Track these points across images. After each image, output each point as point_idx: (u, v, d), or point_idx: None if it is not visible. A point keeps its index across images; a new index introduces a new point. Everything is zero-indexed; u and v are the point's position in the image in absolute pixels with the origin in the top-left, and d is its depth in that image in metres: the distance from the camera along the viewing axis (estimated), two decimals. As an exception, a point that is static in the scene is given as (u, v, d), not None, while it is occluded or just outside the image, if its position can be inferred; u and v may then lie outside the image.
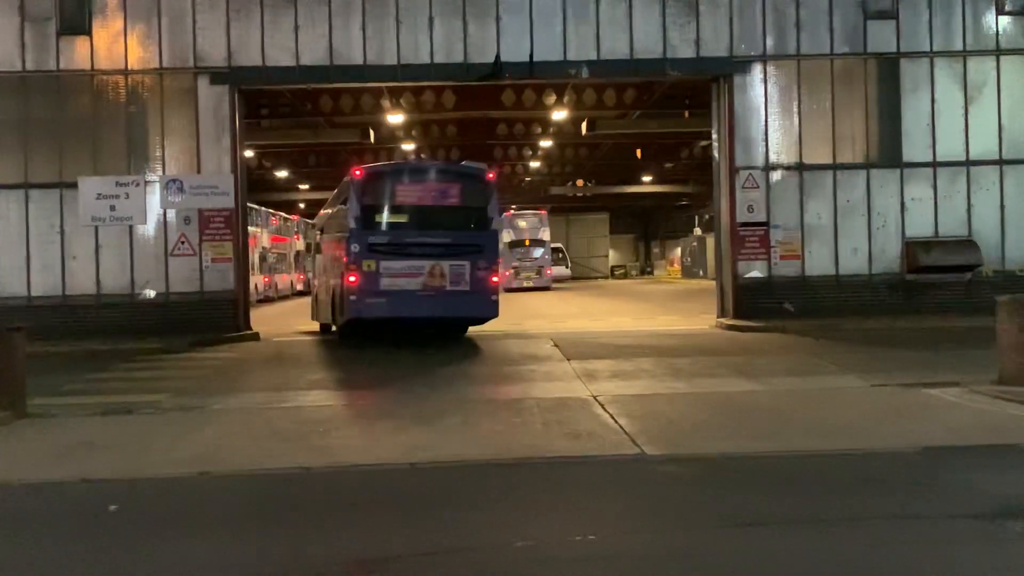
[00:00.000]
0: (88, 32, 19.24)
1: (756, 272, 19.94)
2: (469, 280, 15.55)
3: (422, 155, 21.85)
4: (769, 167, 19.97)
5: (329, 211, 19.11)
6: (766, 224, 19.93)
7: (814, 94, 20.05)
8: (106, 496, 6.92)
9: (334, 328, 17.92)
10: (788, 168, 20.03)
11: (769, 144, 19.97)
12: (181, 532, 6.03)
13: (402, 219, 15.90)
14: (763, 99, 19.96)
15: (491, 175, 16.72)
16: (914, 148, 20.12)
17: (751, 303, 19.68)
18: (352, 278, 15.46)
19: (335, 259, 17.44)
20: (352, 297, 15.45)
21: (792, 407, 10.12)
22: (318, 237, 20.74)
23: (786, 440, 8.40)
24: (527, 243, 45.37)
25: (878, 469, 7.33)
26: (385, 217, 15.91)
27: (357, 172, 16.18)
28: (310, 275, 25.55)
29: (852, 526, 5.84)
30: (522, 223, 46.23)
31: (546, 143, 39.51)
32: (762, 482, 6.99)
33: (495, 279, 15.87)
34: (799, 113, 20.03)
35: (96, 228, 19.15)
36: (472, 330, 18.73)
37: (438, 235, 15.68)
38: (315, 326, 21.38)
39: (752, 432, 8.78)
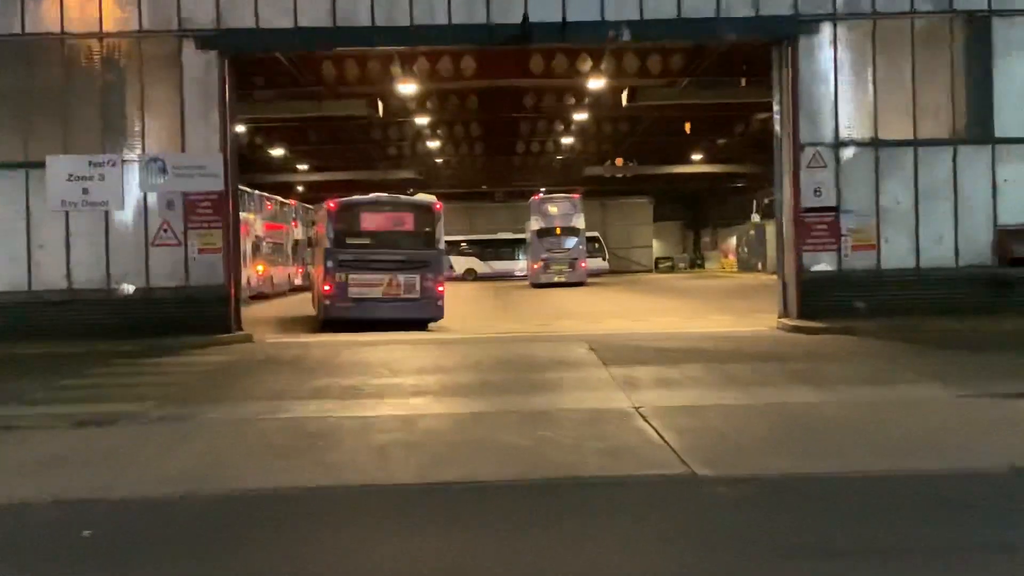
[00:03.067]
0: (58, -11, 19.42)
1: (824, 265, 19.86)
2: (419, 289, 21.53)
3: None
4: (839, 143, 19.88)
5: (315, 228, 25.20)
6: (835, 209, 19.84)
7: (892, 59, 19.93)
8: (80, 519, 7.00)
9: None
10: (861, 144, 19.92)
11: (839, 117, 19.87)
12: (165, 560, 6.10)
13: (366, 241, 21.97)
14: (832, 65, 19.86)
15: (438, 206, 22.71)
16: (1008, 121, 19.95)
17: (818, 301, 19.60)
18: (327, 287, 21.52)
19: (317, 268, 24.23)
20: (327, 302, 21.56)
21: (864, 421, 10.09)
22: (313, 239, 26.20)
23: (857, 458, 8.38)
24: (558, 232, 45.31)
25: (964, 492, 7.30)
26: (353, 239, 21.88)
27: (331, 205, 22.39)
28: (310, 268, 27.28)
29: (935, 557, 5.83)
30: (552, 209, 46.15)
31: (580, 116, 39.44)
32: (830, 507, 6.99)
33: (440, 288, 21.83)
34: (874, 81, 19.91)
35: (67, 214, 19.33)
36: (494, 332, 20.14)
37: (395, 253, 21.73)
38: (314, 326, 22.45)
39: (818, 449, 8.76)
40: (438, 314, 21.78)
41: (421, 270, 21.61)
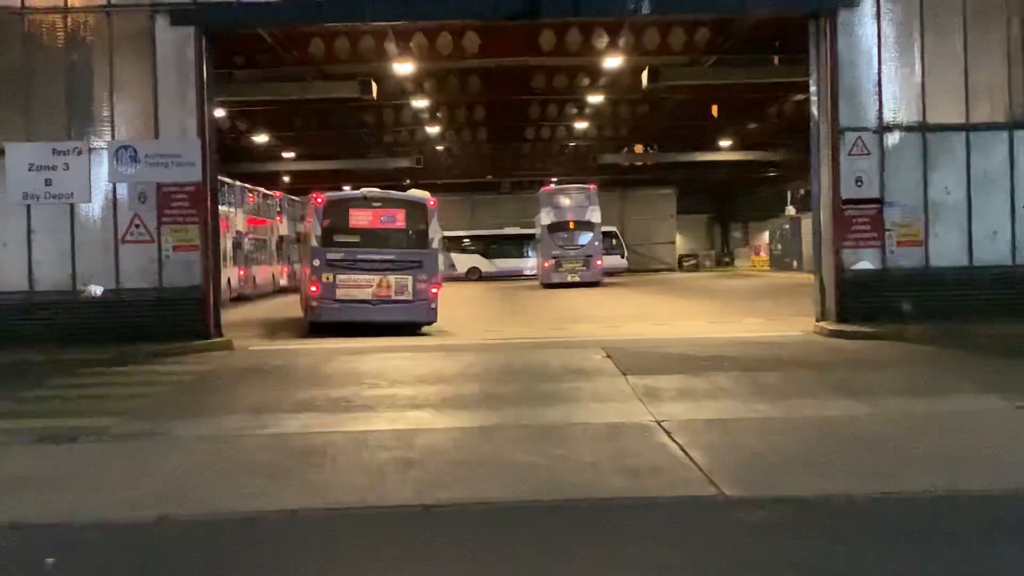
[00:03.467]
0: (17, -40, 19.44)
1: (866, 263, 19.82)
2: (411, 291, 22.25)
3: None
4: (883, 128, 19.83)
5: (304, 223, 26.52)
6: (879, 201, 19.80)
7: (941, 33, 19.88)
8: (42, 546, 6.99)
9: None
10: (907, 129, 19.88)
11: (883, 98, 19.82)
12: (136, 591, 6.09)
13: (355, 239, 22.68)
14: (875, 41, 19.81)
15: (432, 202, 23.42)
16: (1071, 102, 19.92)
17: (859, 302, 19.58)
18: (313, 288, 22.39)
19: (305, 267, 25.48)
20: (313, 303, 22.42)
21: (912, 436, 10.06)
22: (301, 235, 27.82)
23: (905, 478, 8.34)
24: (571, 226, 45.32)
25: (1024, 515, 7.28)
26: (341, 237, 22.64)
27: (319, 200, 23.27)
28: (297, 267, 28.23)
29: (991, 589, 5.80)
30: (565, 200, 46.17)
31: (596, 98, 39.45)
32: (874, 531, 6.95)
33: (434, 290, 22.64)
34: (922, 59, 19.86)
35: (28, 207, 19.35)
36: (501, 337, 20.46)
37: (385, 253, 22.45)
38: (302, 331, 22.77)
39: (861, 467, 8.72)
40: (431, 317, 22.53)
41: (413, 271, 22.30)
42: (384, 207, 23.21)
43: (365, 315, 21.95)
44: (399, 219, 23.04)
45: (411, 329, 22.13)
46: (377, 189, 24.32)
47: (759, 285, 44.12)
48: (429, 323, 22.61)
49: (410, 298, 22.18)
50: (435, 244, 23.34)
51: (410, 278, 22.21)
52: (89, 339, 18.60)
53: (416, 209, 23.18)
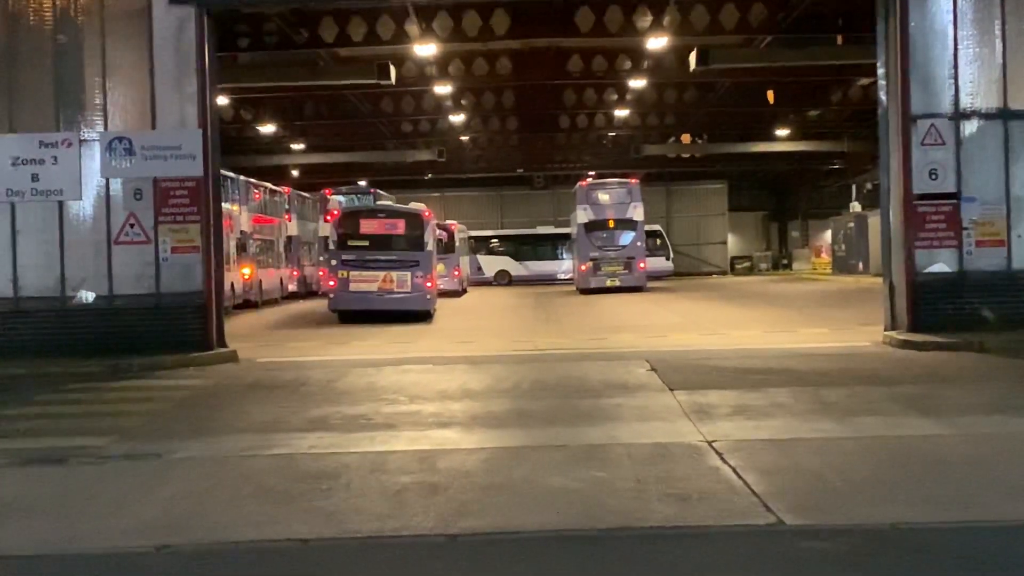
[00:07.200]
0: (0, -68, 19.59)
1: (941, 265, 19.71)
2: (410, 285, 29.64)
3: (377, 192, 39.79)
4: (960, 115, 19.72)
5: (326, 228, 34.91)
6: (955, 196, 19.70)
7: (1025, 9, 19.78)
8: (29, 578, 7.03)
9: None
10: (987, 116, 19.77)
11: (960, 82, 19.71)
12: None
13: (365, 243, 30.17)
14: (951, 17, 19.71)
15: (427, 214, 31.86)
16: None
17: (934, 309, 19.48)
18: (331, 283, 30.25)
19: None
20: (332, 295, 30.19)
21: (994, 458, 9.99)
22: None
23: (986, 505, 8.30)
24: (611, 224, 45.21)
25: (1122, 548, 7.22)
26: (353, 242, 30.17)
27: (335, 212, 32.60)
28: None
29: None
30: (604, 197, 46.05)
31: (638, 83, 39.43)
32: (953, 564, 6.93)
33: (429, 284, 30.31)
34: (1003, 37, 19.75)
35: (12, 206, 19.47)
36: (534, 348, 20.45)
37: (389, 254, 29.89)
38: (313, 343, 23.04)
39: (937, 493, 8.68)
40: (427, 307, 30.18)
41: (412, 268, 29.61)
42: (387, 217, 31.09)
43: (372, 304, 29.04)
44: (400, 227, 30.59)
45: (414, 318, 28.56)
46: (383, 203, 32.03)
47: (821, 290, 43.96)
48: (426, 310, 29.95)
49: (409, 291, 29.45)
50: (429, 247, 30.77)
51: (409, 274, 29.46)
52: (79, 350, 18.69)
53: (414, 219, 30.93)
